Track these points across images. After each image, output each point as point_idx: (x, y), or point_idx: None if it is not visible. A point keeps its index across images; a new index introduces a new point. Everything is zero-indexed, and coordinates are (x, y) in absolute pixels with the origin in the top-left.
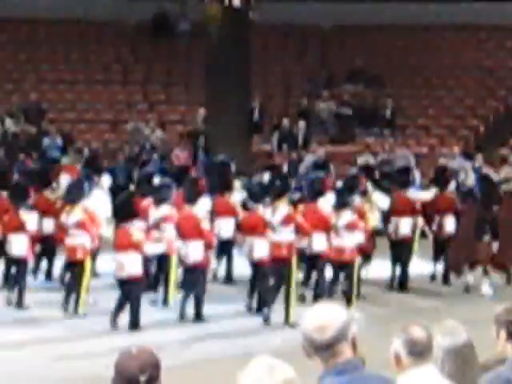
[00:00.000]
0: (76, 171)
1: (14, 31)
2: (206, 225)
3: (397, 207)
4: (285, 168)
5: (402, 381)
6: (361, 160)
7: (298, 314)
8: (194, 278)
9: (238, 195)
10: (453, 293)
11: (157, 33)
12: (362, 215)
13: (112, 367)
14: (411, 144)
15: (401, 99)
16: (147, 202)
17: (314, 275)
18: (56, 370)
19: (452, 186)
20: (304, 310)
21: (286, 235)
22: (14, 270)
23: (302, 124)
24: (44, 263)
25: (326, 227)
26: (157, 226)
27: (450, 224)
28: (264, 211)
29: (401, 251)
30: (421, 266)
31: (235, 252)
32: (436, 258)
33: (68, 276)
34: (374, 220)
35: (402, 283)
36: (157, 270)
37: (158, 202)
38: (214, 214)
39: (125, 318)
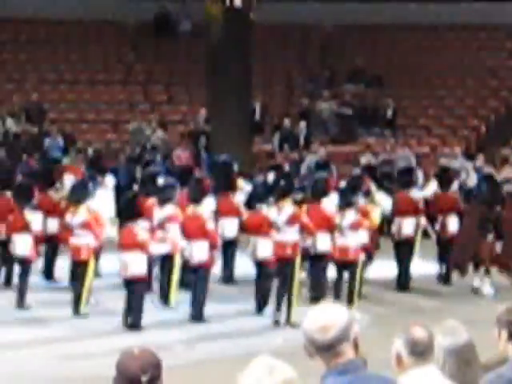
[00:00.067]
0: (79, 171)
1: (15, 31)
2: (210, 225)
3: (400, 207)
4: (286, 168)
5: (403, 381)
6: (363, 160)
7: (300, 314)
8: (197, 278)
9: (241, 195)
10: (454, 293)
11: (158, 33)
12: (365, 215)
13: (114, 367)
14: (412, 144)
15: (402, 99)
16: (151, 201)
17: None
18: (59, 370)
19: (455, 185)
20: (306, 309)
21: (291, 235)
22: (17, 269)
23: (303, 124)
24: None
25: (330, 227)
26: (161, 225)
27: (453, 224)
28: (268, 211)
29: (404, 251)
30: (422, 266)
31: (238, 252)
32: (441, 259)
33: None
34: (376, 219)
35: (403, 283)
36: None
37: (162, 201)
38: (218, 213)
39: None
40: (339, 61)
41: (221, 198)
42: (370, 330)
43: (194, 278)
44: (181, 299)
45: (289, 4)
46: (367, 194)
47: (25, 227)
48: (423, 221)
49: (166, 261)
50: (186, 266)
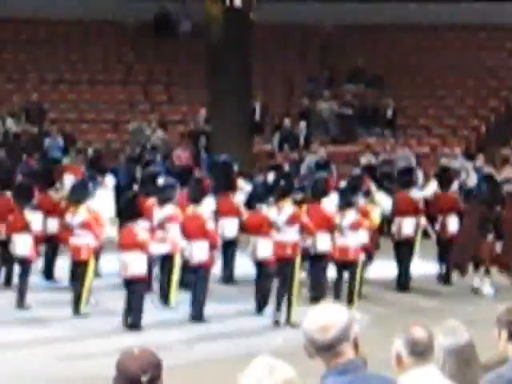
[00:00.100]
0: (79, 171)
1: (15, 31)
2: (210, 225)
3: (400, 207)
4: (286, 168)
5: (403, 381)
6: (363, 160)
7: (300, 314)
8: (197, 278)
9: (241, 195)
10: (454, 293)
11: (158, 33)
12: (365, 215)
13: (114, 367)
14: (412, 144)
15: (402, 99)
16: (151, 201)
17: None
18: (59, 370)
19: (455, 186)
20: (306, 309)
21: (291, 235)
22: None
23: (303, 124)
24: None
25: (330, 227)
26: (161, 226)
27: (452, 224)
28: (268, 211)
29: (404, 251)
30: (422, 266)
31: (238, 252)
32: (441, 259)
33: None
34: (376, 219)
35: (403, 283)
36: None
37: (162, 201)
38: (218, 213)
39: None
40: (339, 61)
41: (221, 198)
42: (370, 330)
43: (194, 278)
44: (181, 299)
45: (289, 4)
46: (367, 194)
47: (25, 227)
48: (423, 221)
49: (166, 261)
50: (186, 266)
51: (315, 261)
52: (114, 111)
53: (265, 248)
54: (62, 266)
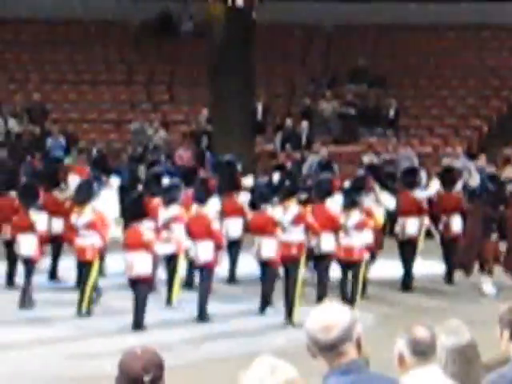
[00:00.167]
0: (84, 172)
1: (17, 32)
2: (216, 225)
3: (403, 208)
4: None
5: (405, 381)
6: (365, 160)
7: (303, 314)
8: (202, 278)
9: (246, 195)
10: (457, 292)
11: (160, 33)
12: (369, 215)
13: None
14: (414, 144)
15: (404, 99)
16: (156, 202)
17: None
18: (64, 370)
19: (458, 186)
20: (309, 309)
21: (297, 235)
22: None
23: (305, 124)
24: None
25: (335, 227)
26: (166, 226)
27: (456, 224)
28: (273, 211)
29: (408, 251)
30: (426, 265)
31: (243, 252)
32: (446, 259)
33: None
34: (379, 219)
35: (406, 283)
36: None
37: (168, 202)
38: (222, 214)
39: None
40: (341, 61)
41: (225, 198)
42: (373, 330)
43: (199, 277)
44: (186, 299)
45: (291, 4)
46: (371, 194)
47: (30, 227)
48: (426, 221)
49: (172, 261)
50: (192, 266)
51: (319, 261)
52: (116, 111)
53: (269, 248)
54: (68, 266)
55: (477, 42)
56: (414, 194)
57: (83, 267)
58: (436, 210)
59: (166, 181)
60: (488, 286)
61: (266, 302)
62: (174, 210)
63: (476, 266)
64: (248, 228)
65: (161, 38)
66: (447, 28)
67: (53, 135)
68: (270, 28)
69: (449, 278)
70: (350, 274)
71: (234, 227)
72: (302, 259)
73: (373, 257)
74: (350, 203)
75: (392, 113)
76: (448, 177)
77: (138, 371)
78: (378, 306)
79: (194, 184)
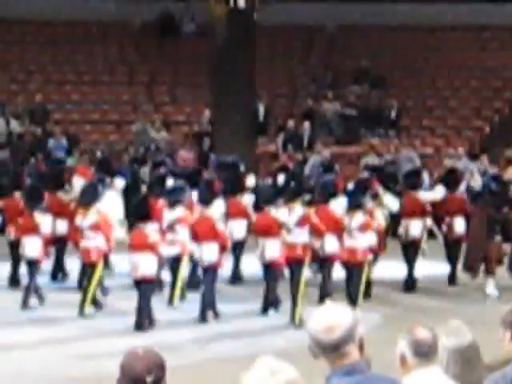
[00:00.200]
0: (89, 173)
1: (19, 32)
2: (220, 226)
3: (407, 209)
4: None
5: (407, 382)
6: (368, 161)
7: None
8: (205, 279)
9: (250, 196)
10: (460, 293)
11: (162, 33)
12: (371, 217)
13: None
14: (416, 145)
15: (406, 100)
16: (161, 203)
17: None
18: (66, 370)
19: (462, 187)
20: (312, 310)
21: (302, 236)
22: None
23: (306, 125)
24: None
25: (339, 229)
26: (171, 228)
27: (459, 225)
28: (277, 212)
29: (412, 252)
30: (429, 266)
31: (247, 253)
32: (450, 260)
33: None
34: (380, 220)
35: (409, 284)
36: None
37: (172, 204)
38: (227, 215)
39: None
40: (343, 62)
41: (229, 199)
42: (376, 331)
43: (203, 278)
44: (189, 299)
45: (292, 5)
46: (375, 196)
47: (34, 229)
48: (429, 222)
49: (176, 262)
50: (196, 267)
51: (323, 262)
52: (118, 112)
53: (273, 249)
54: (69, 267)
55: (478, 42)
56: (418, 195)
57: (87, 268)
58: (439, 212)
59: (170, 182)
60: (490, 287)
61: (268, 302)
62: (179, 211)
63: (482, 268)
64: (252, 229)
65: (162, 38)
66: (449, 29)
67: (54, 136)
68: (272, 29)
69: (452, 279)
70: (353, 275)
71: (238, 229)
72: (307, 260)
73: (375, 258)
74: (354, 205)
75: (394, 114)
76: (451, 178)
77: (140, 372)
78: (381, 307)
79: (199, 185)
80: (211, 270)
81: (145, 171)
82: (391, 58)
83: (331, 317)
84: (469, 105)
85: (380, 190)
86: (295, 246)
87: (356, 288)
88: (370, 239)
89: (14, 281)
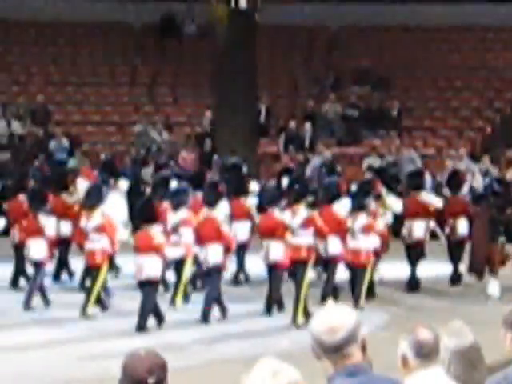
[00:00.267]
0: (92, 175)
1: (20, 33)
2: (225, 228)
3: (410, 210)
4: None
5: (409, 383)
6: (369, 162)
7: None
8: (209, 280)
9: (253, 198)
10: (462, 294)
11: (163, 34)
12: (374, 218)
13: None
14: (418, 145)
15: (407, 101)
16: (165, 205)
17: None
18: (70, 371)
19: (465, 188)
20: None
21: (306, 238)
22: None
23: (308, 126)
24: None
25: (342, 230)
26: (175, 230)
27: (462, 226)
28: (281, 214)
29: (416, 253)
30: (432, 267)
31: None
32: (452, 261)
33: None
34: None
35: (412, 285)
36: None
37: (176, 206)
38: (230, 217)
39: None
40: (345, 62)
41: (233, 201)
42: (380, 331)
43: (207, 280)
44: (193, 300)
45: (294, 5)
46: (378, 197)
47: (39, 232)
48: (432, 223)
49: (180, 264)
50: (200, 268)
51: (326, 263)
52: (119, 113)
53: (277, 251)
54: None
55: (480, 43)
56: (421, 196)
57: (92, 270)
58: (442, 213)
59: (173, 184)
60: (492, 287)
61: (271, 303)
62: (182, 213)
63: (486, 269)
64: (256, 231)
65: (164, 39)
66: (452, 29)
67: (56, 137)
68: (273, 30)
69: (454, 279)
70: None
71: (241, 230)
72: (311, 262)
73: (378, 259)
74: (358, 206)
75: (395, 114)
76: (454, 180)
77: (142, 373)
78: (384, 308)
79: (203, 187)
80: (216, 272)
81: (146, 172)
82: (392, 59)
83: (334, 318)
84: (470, 105)
85: (383, 191)
86: (300, 247)
87: (359, 289)
88: (373, 241)
89: (15, 283)
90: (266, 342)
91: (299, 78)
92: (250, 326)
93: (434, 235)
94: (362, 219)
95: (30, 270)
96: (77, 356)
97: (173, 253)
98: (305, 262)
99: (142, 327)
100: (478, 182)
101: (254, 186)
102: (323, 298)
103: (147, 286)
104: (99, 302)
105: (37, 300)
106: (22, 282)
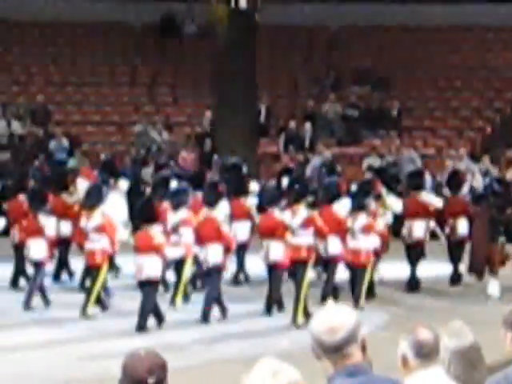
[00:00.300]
0: (92, 175)
1: (21, 34)
2: (225, 228)
3: (410, 210)
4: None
5: (409, 382)
6: (369, 162)
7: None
8: (209, 280)
9: (253, 198)
10: (462, 294)
11: (163, 34)
12: (374, 218)
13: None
14: (418, 145)
15: (407, 101)
16: (165, 205)
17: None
18: (70, 371)
19: (465, 188)
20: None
21: (306, 238)
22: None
23: (308, 126)
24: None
25: (342, 230)
26: (175, 230)
27: (462, 227)
28: (281, 214)
29: (416, 253)
30: (431, 267)
31: (251, 254)
32: (452, 261)
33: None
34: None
35: (412, 285)
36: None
37: (176, 206)
38: (230, 217)
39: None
40: (345, 62)
41: (233, 201)
42: (380, 331)
43: (207, 280)
44: (192, 300)
45: (294, 5)
46: (378, 197)
47: (39, 232)
48: (432, 223)
49: (180, 264)
50: (201, 268)
51: (326, 263)
52: (119, 113)
53: (277, 251)
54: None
55: (480, 43)
56: (421, 196)
57: (92, 270)
58: (442, 213)
59: (173, 184)
60: (492, 287)
61: (271, 303)
62: (183, 213)
63: (486, 269)
64: (256, 231)
65: (164, 39)
66: (452, 29)
67: (56, 137)
68: (273, 30)
69: (454, 279)
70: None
71: (241, 230)
72: (311, 262)
73: (378, 259)
74: (358, 206)
75: (395, 114)
76: (454, 180)
77: (142, 373)
78: (384, 308)
79: (203, 187)
80: (216, 272)
81: (146, 172)
82: (392, 59)
83: (334, 318)
84: (470, 105)
85: (383, 191)
86: (300, 247)
87: (359, 289)
88: (373, 241)
89: (15, 283)
90: (265, 342)
91: (299, 78)
92: (250, 326)
93: (434, 235)
94: (362, 219)
95: (30, 270)
96: (77, 356)
97: (173, 253)
98: (305, 262)
99: (142, 327)
100: (478, 182)
101: (253, 186)
102: (323, 298)
103: (147, 286)
104: (99, 302)
105: (37, 300)
106: (22, 282)
